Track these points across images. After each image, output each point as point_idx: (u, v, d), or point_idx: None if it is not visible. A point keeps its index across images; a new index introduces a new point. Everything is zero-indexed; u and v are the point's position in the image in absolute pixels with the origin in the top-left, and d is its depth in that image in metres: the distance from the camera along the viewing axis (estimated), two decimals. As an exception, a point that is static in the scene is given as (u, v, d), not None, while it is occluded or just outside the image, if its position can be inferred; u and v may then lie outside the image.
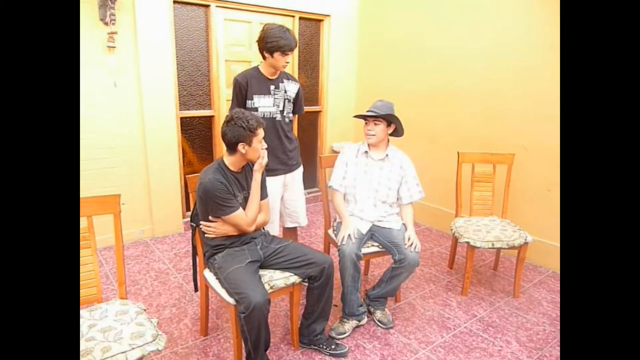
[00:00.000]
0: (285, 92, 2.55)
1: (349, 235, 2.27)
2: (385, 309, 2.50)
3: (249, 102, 2.47)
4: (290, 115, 2.63)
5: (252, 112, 2.01)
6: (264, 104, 2.48)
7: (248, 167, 2.07)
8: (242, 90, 2.46)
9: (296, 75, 4.36)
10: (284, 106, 2.55)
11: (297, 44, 2.42)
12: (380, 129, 2.37)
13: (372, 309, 2.49)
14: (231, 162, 1.97)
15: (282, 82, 2.55)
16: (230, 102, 2.55)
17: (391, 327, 2.42)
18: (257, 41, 2.41)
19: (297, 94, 2.64)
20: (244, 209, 2.00)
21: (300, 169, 2.73)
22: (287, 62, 2.43)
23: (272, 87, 2.50)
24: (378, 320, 2.44)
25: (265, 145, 2.01)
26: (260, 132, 1.93)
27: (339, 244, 2.28)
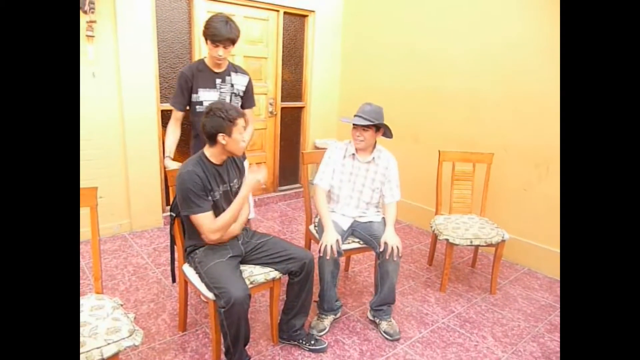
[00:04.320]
0: (232, 85, 2.46)
1: (331, 247, 2.18)
2: (391, 319, 2.39)
3: (194, 96, 2.39)
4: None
5: (231, 104, 1.96)
6: (208, 98, 2.40)
7: (230, 159, 2.05)
8: (188, 83, 2.37)
9: (279, 71, 4.34)
10: (230, 100, 2.47)
11: (234, 41, 2.31)
12: (369, 134, 2.33)
13: (377, 320, 2.39)
14: (212, 154, 1.94)
15: (229, 75, 2.46)
16: (174, 96, 2.44)
17: (398, 339, 2.30)
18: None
19: (247, 87, 2.55)
20: (223, 202, 1.98)
21: (246, 163, 2.61)
22: (220, 56, 2.31)
23: (218, 81, 2.42)
24: (384, 332, 2.32)
25: (247, 138, 1.98)
26: (240, 122, 1.89)
27: (319, 253, 2.22)
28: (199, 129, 1.95)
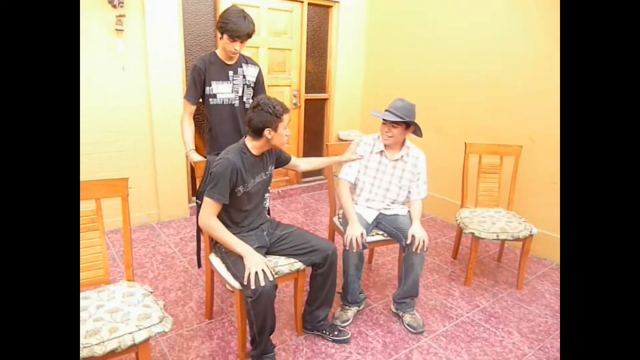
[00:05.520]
0: (244, 77, 2.47)
1: (356, 240, 2.18)
2: (415, 312, 2.38)
3: (207, 89, 2.40)
4: (250, 101, 2.52)
5: (270, 98, 1.95)
6: (222, 91, 2.41)
7: (268, 152, 2.07)
8: (201, 76, 2.38)
9: (303, 62, 4.34)
10: (243, 92, 2.48)
11: (251, 35, 2.32)
12: (398, 131, 2.29)
13: (400, 313, 2.39)
14: (254, 146, 1.97)
15: (241, 66, 2.46)
16: (187, 89, 2.45)
17: (422, 332, 2.30)
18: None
19: (258, 77, 2.55)
20: (260, 188, 2.04)
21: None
22: (236, 50, 2.32)
23: (231, 73, 2.43)
24: (407, 325, 2.32)
25: (289, 132, 2.00)
26: (286, 118, 1.93)
27: (344, 247, 2.23)
28: (245, 122, 1.96)
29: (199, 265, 2.29)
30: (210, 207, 1.90)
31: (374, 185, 2.44)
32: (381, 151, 2.40)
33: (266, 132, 1.89)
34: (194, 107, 2.48)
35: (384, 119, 2.30)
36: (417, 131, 2.37)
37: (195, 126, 2.56)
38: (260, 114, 1.87)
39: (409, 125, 2.31)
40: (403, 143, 2.42)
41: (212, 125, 2.51)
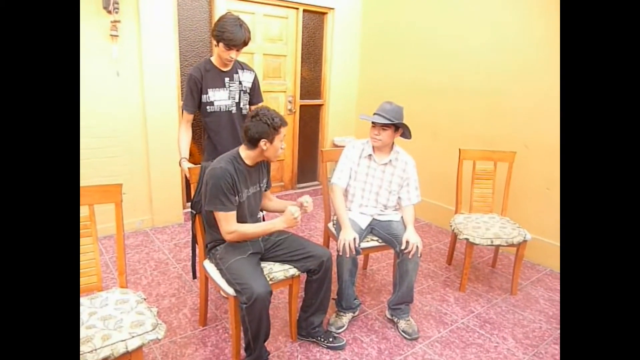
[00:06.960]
0: (240, 83, 2.48)
1: (349, 245, 2.18)
2: (409, 318, 2.38)
3: (204, 97, 2.40)
4: (247, 106, 2.55)
5: (270, 109, 1.93)
6: (219, 98, 2.42)
7: (263, 163, 2.07)
8: (198, 85, 2.38)
9: (298, 68, 4.35)
10: (239, 98, 2.48)
11: (246, 44, 2.32)
12: (387, 134, 2.30)
13: (395, 319, 2.39)
14: (248, 156, 1.96)
15: (237, 72, 2.47)
16: (184, 99, 2.45)
17: (416, 338, 2.30)
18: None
19: (254, 83, 2.55)
20: (252, 201, 2.02)
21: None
22: (232, 58, 2.33)
23: (227, 79, 2.43)
24: (402, 331, 2.31)
25: (284, 145, 2.00)
26: (283, 131, 1.93)
27: (338, 252, 2.23)
28: (240, 131, 1.96)
29: (194, 277, 2.27)
30: (225, 219, 1.89)
31: (364, 190, 2.44)
32: (369, 155, 2.41)
33: (262, 143, 1.89)
34: (191, 116, 2.49)
35: (373, 122, 2.31)
36: (406, 133, 2.38)
37: (193, 133, 2.56)
38: (257, 124, 1.86)
39: (398, 127, 2.33)
40: (392, 147, 2.43)
41: (209, 132, 2.51)
